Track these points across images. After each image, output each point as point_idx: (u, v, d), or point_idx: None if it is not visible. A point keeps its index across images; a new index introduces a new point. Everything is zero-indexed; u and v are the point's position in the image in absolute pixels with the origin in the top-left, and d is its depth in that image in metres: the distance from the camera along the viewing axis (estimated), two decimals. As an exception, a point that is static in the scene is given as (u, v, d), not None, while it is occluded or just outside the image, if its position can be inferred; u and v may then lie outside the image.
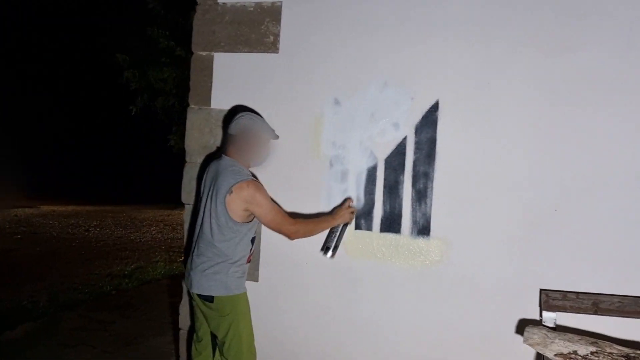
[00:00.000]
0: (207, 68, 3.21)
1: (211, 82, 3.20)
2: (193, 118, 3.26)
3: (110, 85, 12.99)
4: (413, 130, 2.85)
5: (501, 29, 2.70)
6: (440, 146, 2.81)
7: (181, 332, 3.34)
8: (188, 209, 3.28)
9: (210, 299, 2.59)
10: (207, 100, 3.21)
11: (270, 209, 2.61)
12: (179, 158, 3.29)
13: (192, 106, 3.26)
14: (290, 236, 2.68)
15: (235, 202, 2.55)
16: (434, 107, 2.81)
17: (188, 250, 2.94)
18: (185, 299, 3.29)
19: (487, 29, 2.72)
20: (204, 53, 3.22)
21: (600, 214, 2.58)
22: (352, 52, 2.94)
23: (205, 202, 2.66)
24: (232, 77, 3.16)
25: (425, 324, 2.84)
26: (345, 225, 2.85)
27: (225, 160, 2.66)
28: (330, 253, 2.81)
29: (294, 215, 2.82)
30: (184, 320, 3.31)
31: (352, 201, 2.93)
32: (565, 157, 2.62)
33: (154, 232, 10.89)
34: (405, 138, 2.86)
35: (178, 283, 3.37)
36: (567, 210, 2.62)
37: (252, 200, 2.56)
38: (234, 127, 2.66)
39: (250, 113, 2.71)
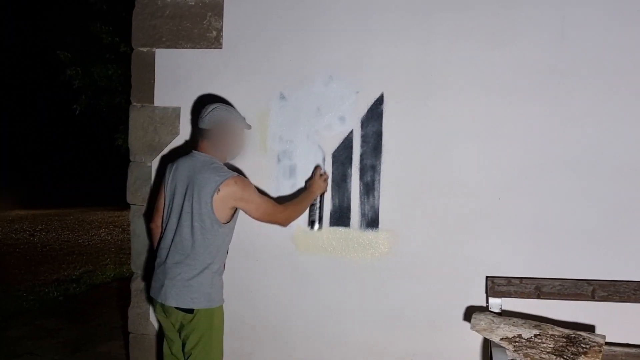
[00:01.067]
0: (149, 64, 3.13)
1: (154, 79, 3.12)
2: (136, 116, 3.17)
3: (52, 83, 12.52)
4: (359, 124, 2.87)
5: (441, 23, 2.75)
6: (387, 139, 2.84)
7: (131, 336, 3.26)
8: (134, 209, 3.20)
9: (190, 311, 2.39)
10: (150, 97, 3.13)
11: (261, 202, 2.48)
12: (128, 158, 3.19)
13: (135, 104, 3.17)
14: (284, 223, 2.60)
15: (224, 201, 2.38)
16: (379, 100, 2.83)
17: (151, 255, 2.83)
18: (135, 303, 3.21)
19: (428, 24, 2.77)
20: (145, 49, 3.13)
21: (540, 201, 2.67)
22: (297, 46, 2.93)
23: (183, 205, 2.43)
24: (175, 74, 3.09)
25: (376, 315, 2.88)
26: (323, 194, 2.84)
27: (200, 156, 2.48)
28: (317, 226, 2.84)
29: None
30: (133, 324, 3.24)
31: (321, 168, 2.90)
32: (506, 147, 2.70)
33: (102, 234, 10.63)
34: (351, 132, 2.88)
35: (128, 286, 3.28)
36: (509, 199, 2.70)
37: (242, 197, 2.42)
38: (207, 121, 2.46)
39: (222, 104, 2.53)
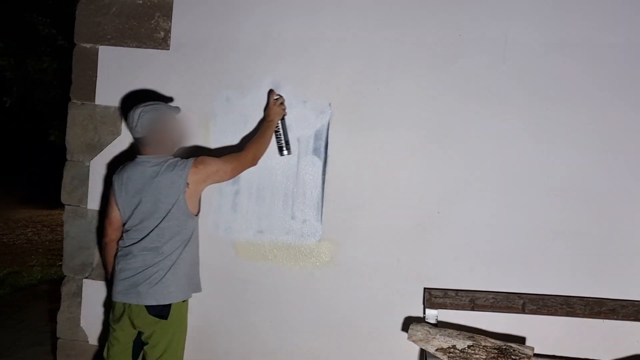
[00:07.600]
0: (92, 61, 3.03)
1: (96, 77, 3.02)
2: (75, 114, 3.06)
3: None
4: (305, 133, 2.88)
5: (386, 40, 2.81)
6: (331, 149, 2.86)
7: (60, 341, 3.13)
8: (69, 209, 3.08)
9: (167, 308, 2.39)
10: (91, 95, 3.03)
11: (224, 165, 2.49)
12: (61, 154, 3.07)
13: (75, 101, 3.06)
14: (254, 163, 2.61)
15: (196, 189, 2.44)
16: (326, 112, 2.86)
17: (107, 270, 2.72)
18: (66, 307, 3.08)
19: (374, 40, 2.82)
20: (88, 45, 3.03)
21: (477, 217, 2.77)
22: (245, 51, 2.91)
23: (147, 211, 2.41)
24: (119, 72, 3.01)
25: (316, 324, 2.89)
26: (283, 118, 2.81)
27: (151, 159, 2.44)
28: (286, 151, 2.81)
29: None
30: (63, 329, 3.11)
31: (275, 93, 2.84)
32: (447, 163, 2.78)
33: (29, 234, 10.09)
34: (297, 140, 2.88)
35: (57, 289, 3.15)
36: (448, 213, 2.78)
37: (209, 173, 2.45)
38: (140, 129, 2.40)
39: (145, 105, 2.45)
